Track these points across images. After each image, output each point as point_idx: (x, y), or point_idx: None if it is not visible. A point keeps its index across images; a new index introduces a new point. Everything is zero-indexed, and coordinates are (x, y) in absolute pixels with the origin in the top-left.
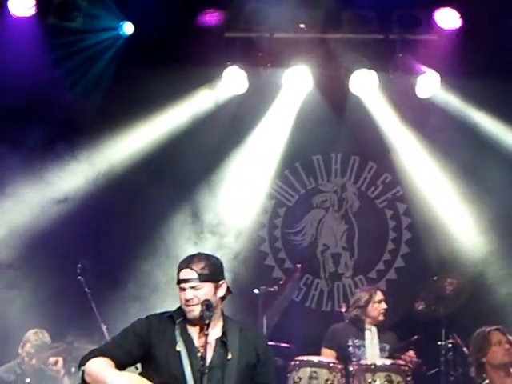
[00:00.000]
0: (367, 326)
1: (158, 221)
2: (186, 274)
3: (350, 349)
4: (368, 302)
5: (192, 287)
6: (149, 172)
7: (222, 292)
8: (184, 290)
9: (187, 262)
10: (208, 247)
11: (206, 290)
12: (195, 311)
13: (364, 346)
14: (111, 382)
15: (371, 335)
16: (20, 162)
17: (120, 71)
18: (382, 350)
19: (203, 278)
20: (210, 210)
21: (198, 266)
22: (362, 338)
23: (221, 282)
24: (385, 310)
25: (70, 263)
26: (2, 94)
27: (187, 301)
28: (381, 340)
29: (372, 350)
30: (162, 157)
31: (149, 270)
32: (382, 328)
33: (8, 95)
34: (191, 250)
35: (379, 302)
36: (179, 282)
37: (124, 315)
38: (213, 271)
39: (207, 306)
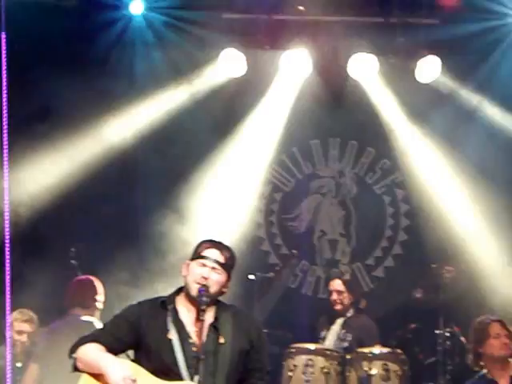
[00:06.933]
0: (335, 317)
1: (155, 198)
2: (216, 254)
3: (320, 341)
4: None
5: (213, 268)
6: (146, 152)
7: (226, 288)
8: (204, 266)
9: (217, 244)
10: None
11: (222, 278)
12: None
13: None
14: (105, 366)
15: (336, 326)
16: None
17: (119, 51)
18: (341, 339)
19: (227, 267)
20: (205, 192)
21: (227, 254)
22: (329, 329)
23: (229, 278)
24: (340, 300)
25: (65, 247)
26: None
27: (203, 278)
28: (346, 330)
29: (329, 340)
30: (159, 138)
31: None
32: (355, 318)
33: None
34: (190, 234)
35: (331, 292)
36: (204, 257)
37: (117, 300)
38: (233, 265)
39: (205, 291)
